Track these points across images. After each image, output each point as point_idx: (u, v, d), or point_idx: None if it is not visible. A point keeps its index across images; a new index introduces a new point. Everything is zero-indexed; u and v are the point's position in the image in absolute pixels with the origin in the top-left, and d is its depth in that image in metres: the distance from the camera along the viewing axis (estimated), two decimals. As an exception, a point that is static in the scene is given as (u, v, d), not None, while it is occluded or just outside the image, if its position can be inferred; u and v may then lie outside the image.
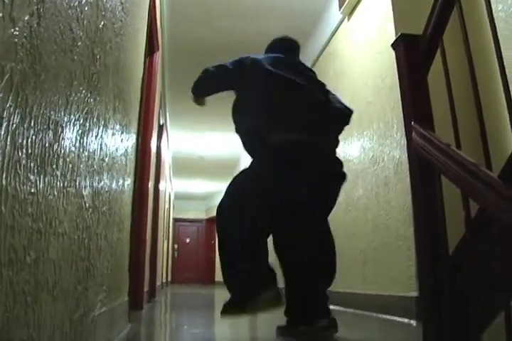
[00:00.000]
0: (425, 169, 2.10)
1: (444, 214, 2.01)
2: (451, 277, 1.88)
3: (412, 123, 2.11)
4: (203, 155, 11.87)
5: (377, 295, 4.07)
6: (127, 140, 2.85)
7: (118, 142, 2.45)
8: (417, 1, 3.83)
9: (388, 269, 3.91)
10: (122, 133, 2.59)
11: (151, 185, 5.35)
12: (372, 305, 4.09)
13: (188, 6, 5.35)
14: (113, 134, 2.26)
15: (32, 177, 1.06)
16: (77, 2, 1.41)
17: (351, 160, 4.88)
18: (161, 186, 7.97)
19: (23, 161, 1.00)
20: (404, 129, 2.20)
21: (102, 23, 1.83)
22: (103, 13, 1.85)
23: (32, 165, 1.06)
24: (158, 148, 6.97)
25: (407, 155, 2.38)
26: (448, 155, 1.83)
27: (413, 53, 2.23)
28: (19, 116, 0.96)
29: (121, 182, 2.64)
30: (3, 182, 0.90)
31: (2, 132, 0.87)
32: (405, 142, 2.13)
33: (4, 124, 0.88)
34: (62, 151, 1.32)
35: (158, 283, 7.77)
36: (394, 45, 2.32)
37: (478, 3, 3.37)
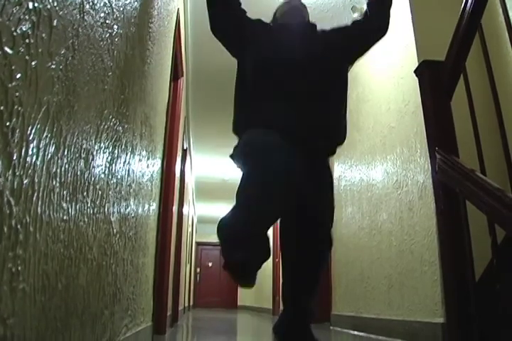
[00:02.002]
0: (450, 194, 2.09)
1: (469, 239, 2.00)
2: (479, 304, 1.87)
3: (436, 148, 2.12)
4: (226, 178, 11.90)
5: (402, 321, 4.03)
6: (153, 165, 2.89)
7: (144, 168, 2.48)
8: (439, 25, 3.85)
9: (414, 294, 3.87)
10: (148, 158, 2.63)
11: (175, 209, 5.38)
12: (397, 331, 4.05)
13: (211, 35, 5.46)
14: (140, 160, 2.29)
15: (64, 204, 1.09)
16: (108, 34, 1.46)
17: (375, 184, 4.87)
18: (185, 210, 8.00)
19: (57, 189, 1.03)
20: (428, 154, 2.20)
21: (131, 52, 1.88)
22: (132, 43, 1.89)
23: (65, 193, 1.09)
24: (182, 172, 7.01)
25: (431, 179, 2.39)
26: (472, 181, 1.83)
27: (436, 79, 2.25)
28: (54, 145, 0.99)
29: (146, 207, 2.67)
30: (39, 210, 0.92)
31: (38, 162, 0.90)
32: (429, 167, 2.13)
33: (41, 154, 0.91)
34: (93, 179, 1.35)
35: (180, 307, 7.76)
36: (417, 72, 2.33)
37: (500, 28, 3.39)
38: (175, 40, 4.07)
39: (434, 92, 2.25)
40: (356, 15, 5.09)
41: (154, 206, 3.11)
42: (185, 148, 7.70)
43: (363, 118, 5.21)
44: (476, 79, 2.51)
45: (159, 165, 3.34)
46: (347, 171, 5.69)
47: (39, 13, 0.88)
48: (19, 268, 0.84)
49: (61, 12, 1.01)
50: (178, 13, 4.17)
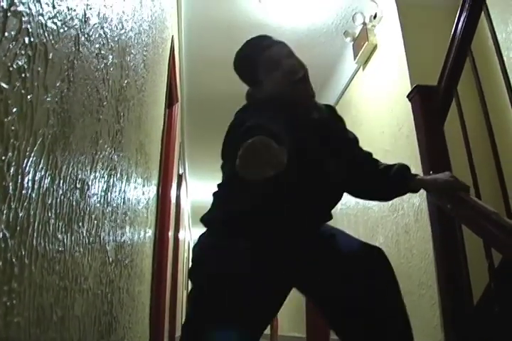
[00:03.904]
0: (445, 217, 2.10)
1: (466, 263, 2.00)
2: (478, 328, 1.86)
3: (430, 172, 2.12)
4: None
5: (400, 345, 4.00)
6: (148, 192, 2.88)
7: (140, 195, 2.48)
8: (432, 50, 3.89)
9: (412, 318, 3.84)
10: (144, 185, 2.63)
11: (170, 234, 5.36)
12: (395, 356, 4.02)
13: (205, 61, 5.51)
14: (135, 188, 2.29)
15: (60, 235, 1.09)
16: (103, 64, 1.47)
17: (371, 207, 4.87)
18: (181, 235, 7.97)
19: (52, 221, 1.03)
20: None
21: (126, 81, 1.89)
22: (127, 72, 1.90)
23: (60, 224, 1.09)
24: (178, 197, 7.00)
25: (426, 202, 2.39)
26: (467, 205, 1.83)
27: (429, 104, 2.26)
28: (50, 177, 0.99)
29: (142, 234, 2.66)
30: (34, 242, 0.92)
31: (34, 195, 0.90)
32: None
33: (36, 187, 0.91)
34: (88, 209, 1.35)
35: (177, 334, 7.69)
36: (409, 97, 2.35)
37: (490, 51, 3.42)
38: (169, 66, 4.10)
39: (427, 117, 2.26)
40: (348, 40, 5.14)
41: (150, 232, 3.10)
42: (180, 173, 7.69)
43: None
44: (468, 103, 2.53)
45: (155, 191, 3.33)
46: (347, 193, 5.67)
47: (35, 48, 0.89)
48: (14, 301, 0.83)
49: (57, 45, 1.02)
50: (172, 40, 4.21)
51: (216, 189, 1.97)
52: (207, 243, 1.87)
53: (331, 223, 1.98)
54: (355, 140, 2.22)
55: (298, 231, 1.84)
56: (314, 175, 1.84)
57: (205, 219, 1.93)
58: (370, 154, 2.20)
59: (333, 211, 1.99)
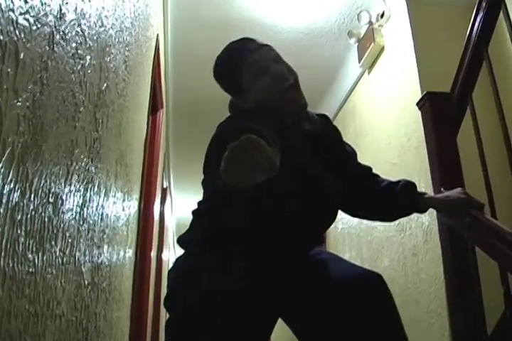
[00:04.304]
0: (457, 239, 2.10)
1: (480, 289, 2.00)
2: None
3: (442, 188, 2.13)
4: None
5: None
6: (129, 208, 2.88)
7: (119, 211, 2.48)
8: (444, 54, 3.90)
9: (420, 350, 3.84)
10: (124, 200, 2.63)
11: (153, 255, 5.34)
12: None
13: (193, 63, 5.50)
14: (114, 203, 2.29)
15: (30, 255, 1.09)
16: (80, 65, 1.47)
17: (375, 227, 4.87)
18: (165, 255, 7.95)
19: (22, 239, 1.03)
20: (432, 193, 2.20)
21: (105, 84, 1.90)
22: (106, 74, 1.91)
23: (31, 242, 1.09)
24: (162, 213, 6.98)
25: (437, 222, 2.39)
26: (482, 224, 1.83)
27: (440, 113, 2.26)
28: (19, 191, 0.99)
29: (122, 254, 2.66)
30: (1, 262, 0.92)
31: (1, 210, 0.90)
32: (435, 208, 2.12)
33: (4, 201, 0.92)
34: (62, 225, 1.35)
35: (159, 365, 7.64)
36: (419, 104, 2.36)
37: (509, 54, 3.44)
38: (154, 68, 4.10)
39: (439, 126, 2.26)
40: (352, 41, 5.16)
41: (130, 252, 3.09)
42: (165, 186, 7.68)
43: (361, 153, 5.20)
44: (484, 112, 2.54)
45: (136, 207, 3.33)
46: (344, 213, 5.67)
47: (4, 47, 0.89)
48: (-21, 328, 0.83)
49: (29, 44, 1.02)
50: (157, 39, 4.22)
51: (196, 207, 1.96)
52: (185, 266, 1.84)
53: (329, 244, 1.99)
54: (353, 154, 2.20)
55: (285, 253, 1.80)
56: (307, 191, 1.80)
57: (182, 240, 1.91)
58: (369, 169, 2.17)
59: (333, 231, 1.99)
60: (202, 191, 1.95)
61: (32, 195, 1.08)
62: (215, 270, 1.72)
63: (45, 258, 1.20)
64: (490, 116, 2.68)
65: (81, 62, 1.50)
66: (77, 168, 1.49)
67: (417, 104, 2.40)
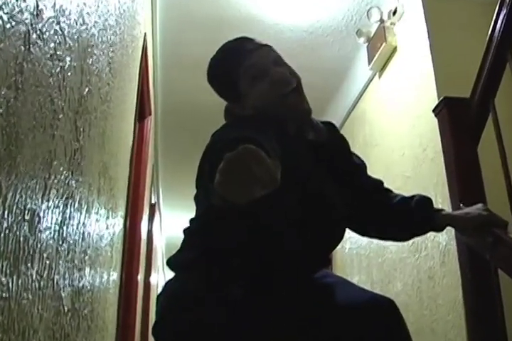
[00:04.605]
0: (478, 260, 2.09)
1: (503, 316, 1.99)
2: None
3: (461, 205, 2.12)
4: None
5: None
6: (113, 226, 2.88)
7: (103, 229, 2.48)
8: (463, 53, 3.90)
9: (438, 384, 3.83)
10: (108, 218, 2.62)
11: (140, 278, 5.33)
12: None
13: (185, 65, 5.50)
14: (97, 220, 2.29)
15: (4, 279, 1.08)
16: (59, 68, 1.48)
17: (387, 247, 4.86)
18: (153, 279, 7.93)
19: (-6, 261, 1.03)
20: (450, 210, 2.19)
21: (87, 89, 1.90)
22: (88, 77, 1.92)
23: (4, 264, 1.08)
24: (150, 232, 6.98)
25: (455, 241, 2.38)
26: (505, 244, 1.83)
27: (459, 120, 2.26)
28: (-9, 207, 1.00)
29: (105, 277, 2.65)
30: (-29, 287, 0.92)
31: (-28, 228, 0.91)
32: (453, 226, 2.11)
33: (-25, 219, 0.92)
34: (39, 246, 1.35)
35: None
36: (436, 111, 2.35)
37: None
38: (141, 71, 4.11)
39: (457, 135, 2.26)
40: (362, 41, 5.17)
41: (115, 276, 3.09)
42: (153, 202, 7.68)
43: (371, 165, 5.18)
44: (506, 119, 2.54)
45: (121, 225, 3.33)
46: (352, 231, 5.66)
47: (-25, 48, 0.90)
48: None
49: (2, 44, 1.02)
50: (145, 39, 4.23)
51: (188, 225, 1.95)
52: (176, 290, 1.82)
53: (336, 266, 1.98)
54: (363, 166, 2.19)
55: (286, 277, 1.78)
56: (309, 207, 1.79)
57: (173, 262, 1.89)
58: (380, 183, 2.17)
59: (340, 251, 1.99)
60: (194, 207, 1.94)
61: (6, 212, 1.08)
62: (208, 298, 1.70)
63: (20, 282, 1.19)
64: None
65: (60, 64, 1.50)
66: (55, 181, 1.49)
67: (434, 110, 2.39)
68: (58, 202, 1.54)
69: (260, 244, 1.73)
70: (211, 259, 1.76)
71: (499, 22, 2.19)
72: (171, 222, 10.93)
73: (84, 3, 1.83)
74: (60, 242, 1.59)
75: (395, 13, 4.75)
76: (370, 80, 5.54)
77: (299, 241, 1.78)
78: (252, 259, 1.74)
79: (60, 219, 1.57)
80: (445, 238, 3.76)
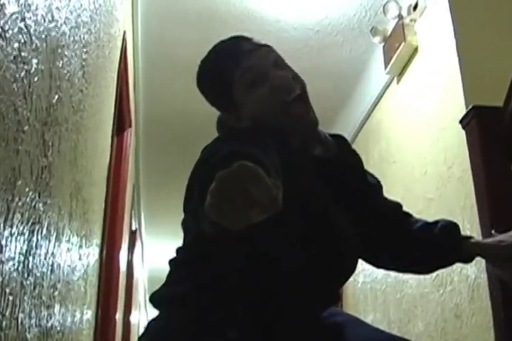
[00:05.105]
0: (513, 296, 2.09)
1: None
2: None
3: (493, 231, 2.12)
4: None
5: None
6: (87, 256, 2.87)
7: (75, 260, 2.47)
8: (495, 57, 3.90)
9: None
10: (81, 246, 2.62)
11: (118, 317, 5.32)
12: None
13: (171, 67, 5.50)
14: (68, 250, 2.29)
15: (-42, 318, 1.09)
16: (24, 72, 1.48)
17: (406, 280, 4.85)
18: (134, 318, 7.90)
19: None
20: (480, 237, 2.18)
21: (57, 97, 1.90)
22: (58, 83, 1.92)
23: (-41, 301, 1.09)
24: (130, 263, 6.96)
25: (485, 275, 2.38)
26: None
27: (491, 133, 2.25)
28: None
29: (78, 316, 2.64)
30: None
31: None
32: (484, 257, 2.11)
33: None
34: (1, 279, 1.35)
35: None
36: (464, 122, 2.35)
37: None
38: (120, 75, 4.11)
39: (488, 150, 2.25)
40: (377, 41, 5.17)
41: (89, 314, 3.08)
42: (134, 229, 7.67)
43: (388, 185, 5.19)
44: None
45: (96, 255, 3.32)
46: (366, 262, 5.64)
47: None
48: None
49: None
50: (124, 37, 4.23)
51: (174, 255, 1.95)
52: (160, 330, 1.78)
53: (347, 303, 1.98)
54: (378, 186, 2.16)
55: (290, 316, 1.75)
56: (319, 235, 1.78)
57: (157, 297, 1.85)
58: (399, 206, 2.15)
59: (352, 285, 1.99)
60: (182, 235, 1.93)
61: (-39, 240, 1.08)
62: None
63: (-23, 321, 1.20)
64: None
65: (25, 67, 1.50)
66: (20, 204, 1.49)
67: (461, 121, 2.40)
68: (23, 228, 1.54)
69: (257, 283, 1.72)
70: (200, 294, 1.74)
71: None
72: (154, 252, 10.92)
73: (54, -3, 1.84)
74: (26, 275, 1.59)
75: (415, 8, 4.74)
76: (387, 86, 5.55)
77: (304, 275, 1.77)
78: (247, 297, 1.73)
79: (25, 248, 1.57)
80: (474, 270, 3.75)
